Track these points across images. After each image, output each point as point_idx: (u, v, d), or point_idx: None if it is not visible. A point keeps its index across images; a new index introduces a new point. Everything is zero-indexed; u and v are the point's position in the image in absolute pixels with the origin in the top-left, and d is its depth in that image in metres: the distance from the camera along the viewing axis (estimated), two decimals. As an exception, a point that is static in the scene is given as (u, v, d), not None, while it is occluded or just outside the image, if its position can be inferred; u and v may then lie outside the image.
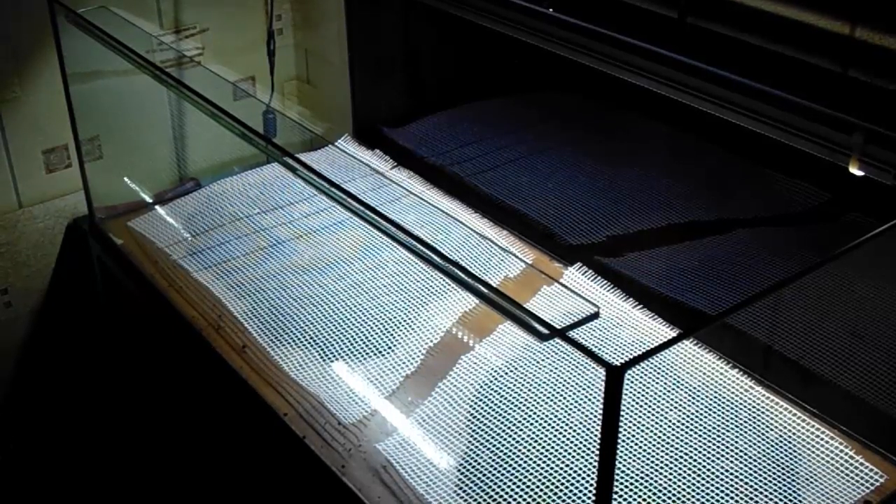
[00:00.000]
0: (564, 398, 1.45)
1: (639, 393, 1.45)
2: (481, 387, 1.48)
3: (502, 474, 1.33)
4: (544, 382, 1.48)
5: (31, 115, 1.92)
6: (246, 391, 1.51)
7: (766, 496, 1.29)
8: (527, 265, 1.74)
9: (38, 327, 2.05)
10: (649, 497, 1.29)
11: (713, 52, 1.44)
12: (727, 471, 1.32)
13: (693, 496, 1.29)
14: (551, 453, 1.35)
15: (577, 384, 1.48)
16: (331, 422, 1.43)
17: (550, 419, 1.41)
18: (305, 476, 1.45)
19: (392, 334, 1.61)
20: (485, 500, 1.29)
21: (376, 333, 1.61)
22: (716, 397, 1.45)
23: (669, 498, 1.29)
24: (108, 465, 2.05)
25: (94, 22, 1.71)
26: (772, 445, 1.36)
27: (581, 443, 1.37)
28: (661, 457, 1.35)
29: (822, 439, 1.37)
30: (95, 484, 2.05)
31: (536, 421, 1.41)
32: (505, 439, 1.38)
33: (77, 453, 2.11)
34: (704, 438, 1.38)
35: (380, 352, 1.57)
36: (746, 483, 1.31)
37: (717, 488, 1.30)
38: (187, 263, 1.81)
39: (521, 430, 1.40)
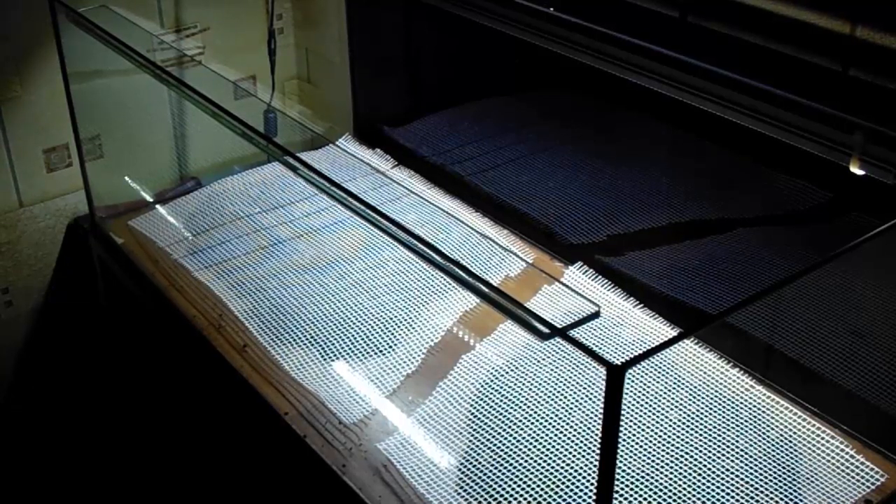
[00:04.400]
0: (565, 397, 1.45)
1: (639, 392, 1.45)
2: (482, 386, 1.48)
3: (503, 473, 1.33)
4: (545, 381, 1.49)
5: (32, 114, 1.92)
6: (246, 390, 1.52)
7: (766, 495, 1.29)
8: (527, 264, 1.74)
9: (39, 326, 2.05)
10: (650, 496, 1.29)
11: (714, 52, 1.44)
12: (727, 470, 1.33)
13: (693, 495, 1.29)
14: (552, 452, 1.36)
15: (577, 383, 1.48)
16: (331, 421, 1.43)
17: (551, 418, 1.41)
18: (306, 475, 1.45)
19: (393, 333, 1.61)
20: (485, 499, 1.30)
21: (377, 332, 1.61)
22: (716, 396, 1.45)
23: (670, 497, 1.29)
24: (109, 464, 2.05)
25: (94, 21, 1.71)
26: (772, 444, 1.36)
27: (582, 442, 1.37)
28: (662, 456, 1.35)
29: (822, 438, 1.37)
30: (96, 484, 2.05)
31: (537, 420, 1.41)
32: (506, 438, 1.38)
33: (77, 453, 2.11)
34: (705, 437, 1.38)
35: (380, 351, 1.57)
36: (747, 482, 1.31)
37: (718, 487, 1.30)
38: (188, 262, 1.81)
39: (521, 429, 1.40)
